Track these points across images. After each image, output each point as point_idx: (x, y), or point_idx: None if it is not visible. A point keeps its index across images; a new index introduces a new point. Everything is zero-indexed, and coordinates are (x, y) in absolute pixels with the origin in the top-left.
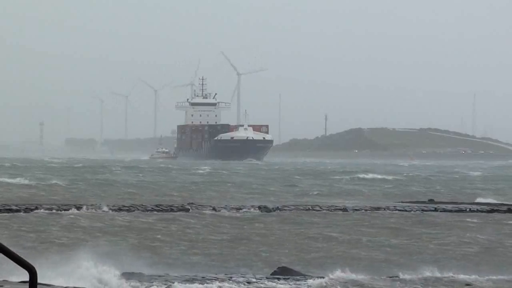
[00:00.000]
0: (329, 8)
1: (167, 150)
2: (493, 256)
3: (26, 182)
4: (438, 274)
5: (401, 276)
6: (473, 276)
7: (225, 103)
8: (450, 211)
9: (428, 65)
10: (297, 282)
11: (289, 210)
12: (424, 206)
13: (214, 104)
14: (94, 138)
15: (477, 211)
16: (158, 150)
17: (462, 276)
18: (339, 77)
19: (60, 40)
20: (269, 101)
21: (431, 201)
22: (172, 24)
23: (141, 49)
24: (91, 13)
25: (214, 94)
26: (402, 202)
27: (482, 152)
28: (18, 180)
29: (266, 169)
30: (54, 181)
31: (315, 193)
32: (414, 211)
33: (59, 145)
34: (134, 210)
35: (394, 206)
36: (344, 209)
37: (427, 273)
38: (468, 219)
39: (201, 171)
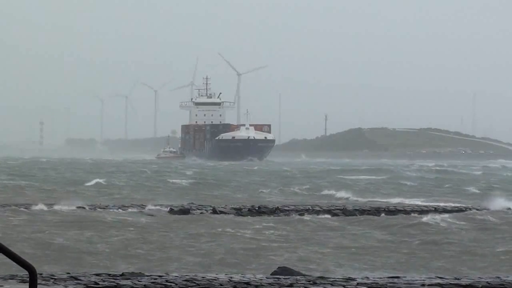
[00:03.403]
0: (330, 8)
1: (174, 150)
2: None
3: None
4: None
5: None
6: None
7: (230, 102)
8: (451, 211)
9: (428, 65)
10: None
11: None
12: (424, 206)
13: (218, 104)
14: (94, 138)
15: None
16: (165, 149)
17: None
18: (339, 77)
19: (61, 41)
20: (269, 101)
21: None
22: (172, 24)
23: (141, 49)
24: (91, 14)
25: (218, 93)
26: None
27: (482, 152)
28: None
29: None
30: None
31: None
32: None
33: (59, 145)
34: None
35: (395, 206)
36: (344, 210)
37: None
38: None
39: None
